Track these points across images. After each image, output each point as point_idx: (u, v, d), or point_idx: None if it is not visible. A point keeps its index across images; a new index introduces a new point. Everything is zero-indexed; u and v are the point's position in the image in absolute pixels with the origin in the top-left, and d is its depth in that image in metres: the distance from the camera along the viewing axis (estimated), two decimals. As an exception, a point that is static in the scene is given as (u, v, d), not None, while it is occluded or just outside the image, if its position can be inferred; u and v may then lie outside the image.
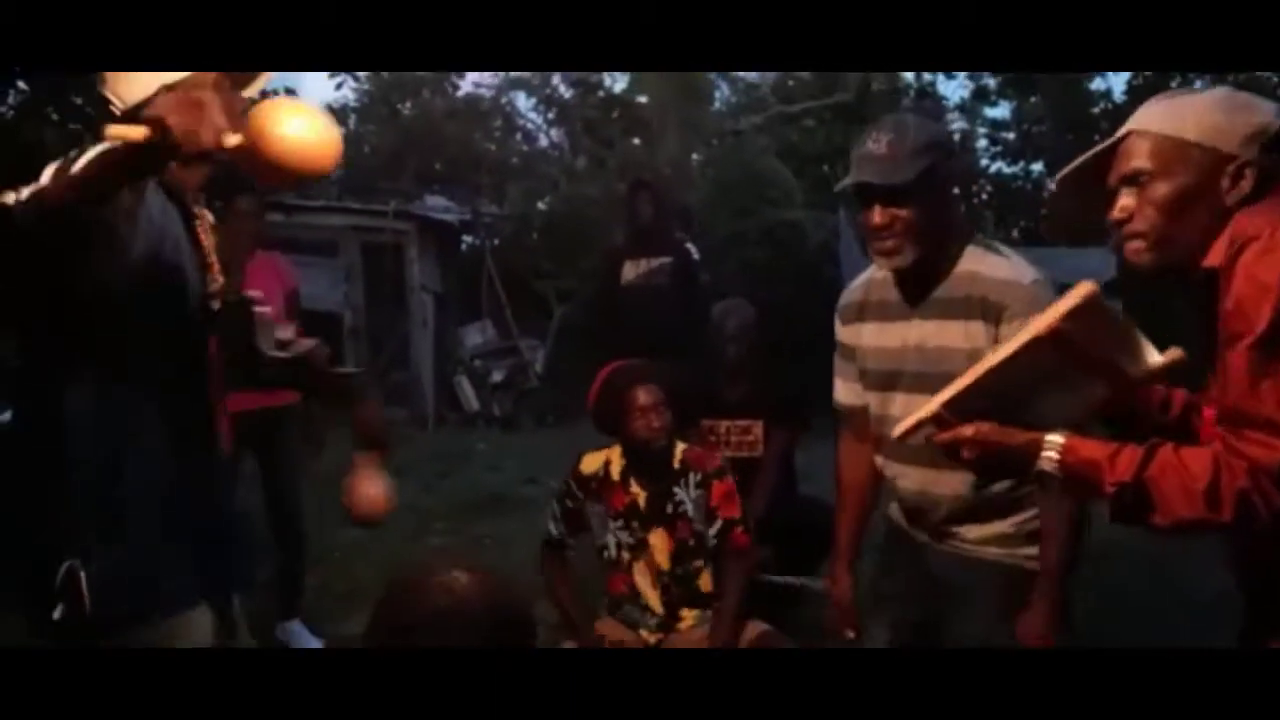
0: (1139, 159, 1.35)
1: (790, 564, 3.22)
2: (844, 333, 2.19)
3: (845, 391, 2.22)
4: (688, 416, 2.95)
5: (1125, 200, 1.37)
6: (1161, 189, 1.33)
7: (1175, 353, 1.36)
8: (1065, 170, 1.46)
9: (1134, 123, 1.38)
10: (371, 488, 1.94)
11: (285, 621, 3.53)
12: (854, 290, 2.18)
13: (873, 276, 2.12)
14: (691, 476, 2.73)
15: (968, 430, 1.35)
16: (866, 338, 2.12)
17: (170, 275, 1.60)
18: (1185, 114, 1.35)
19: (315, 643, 3.48)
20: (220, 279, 1.74)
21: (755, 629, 2.72)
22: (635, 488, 2.73)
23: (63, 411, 1.55)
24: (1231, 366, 1.23)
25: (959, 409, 1.36)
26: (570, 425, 8.11)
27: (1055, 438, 1.32)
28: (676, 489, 2.72)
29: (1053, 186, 1.50)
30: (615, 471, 2.75)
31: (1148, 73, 12.25)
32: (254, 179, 1.53)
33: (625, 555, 2.74)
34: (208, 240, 1.72)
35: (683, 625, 2.74)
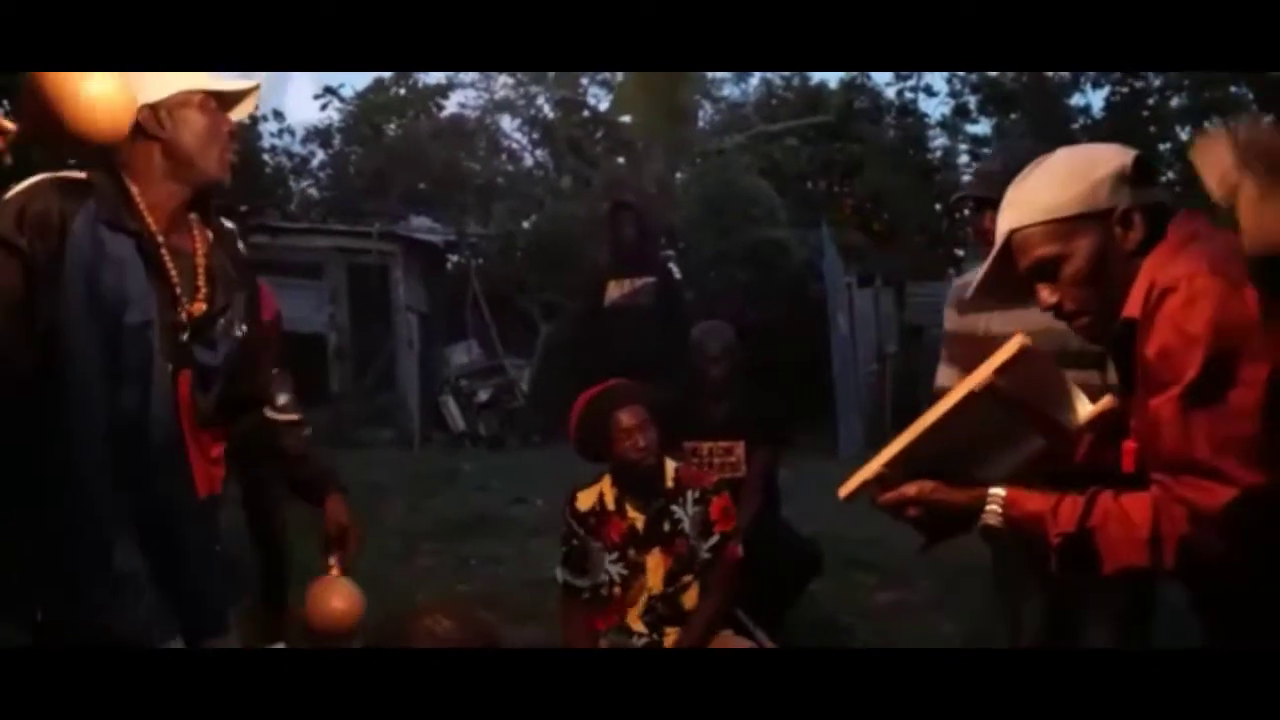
0: (1035, 251, 1.37)
1: (769, 586, 3.23)
2: None
3: None
4: (671, 435, 2.97)
5: (1044, 293, 1.39)
6: (1070, 269, 1.35)
7: (1107, 401, 1.39)
8: (970, 291, 1.49)
9: (1007, 223, 1.40)
10: (337, 599, 1.73)
11: (269, 644, 3.51)
12: None
13: None
14: (689, 494, 2.74)
15: (910, 489, 1.35)
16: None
17: (110, 310, 1.53)
18: (1045, 195, 1.36)
19: (300, 667, 3.45)
20: (195, 308, 1.64)
21: (727, 640, 2.73)
22: (632, 513, 2.74)
23: (20, 447, 1.54)
24: (1162, 414, 1.25)
25: (902, 467, 1.36)
26: (557, 444, 8.11)
27: (998, 491, 1.33)
28: (674, 507, 2.73)
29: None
30: (610, 501, 2.75)
31: (1124, 89, 12.41)
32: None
33: (617, 590, 2.73)
34: (177, 268, 1.63)
35: (668, 643, 2.74)
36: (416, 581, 4.37)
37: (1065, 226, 1.35)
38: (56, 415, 1.52)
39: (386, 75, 12.54)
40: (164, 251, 1.61)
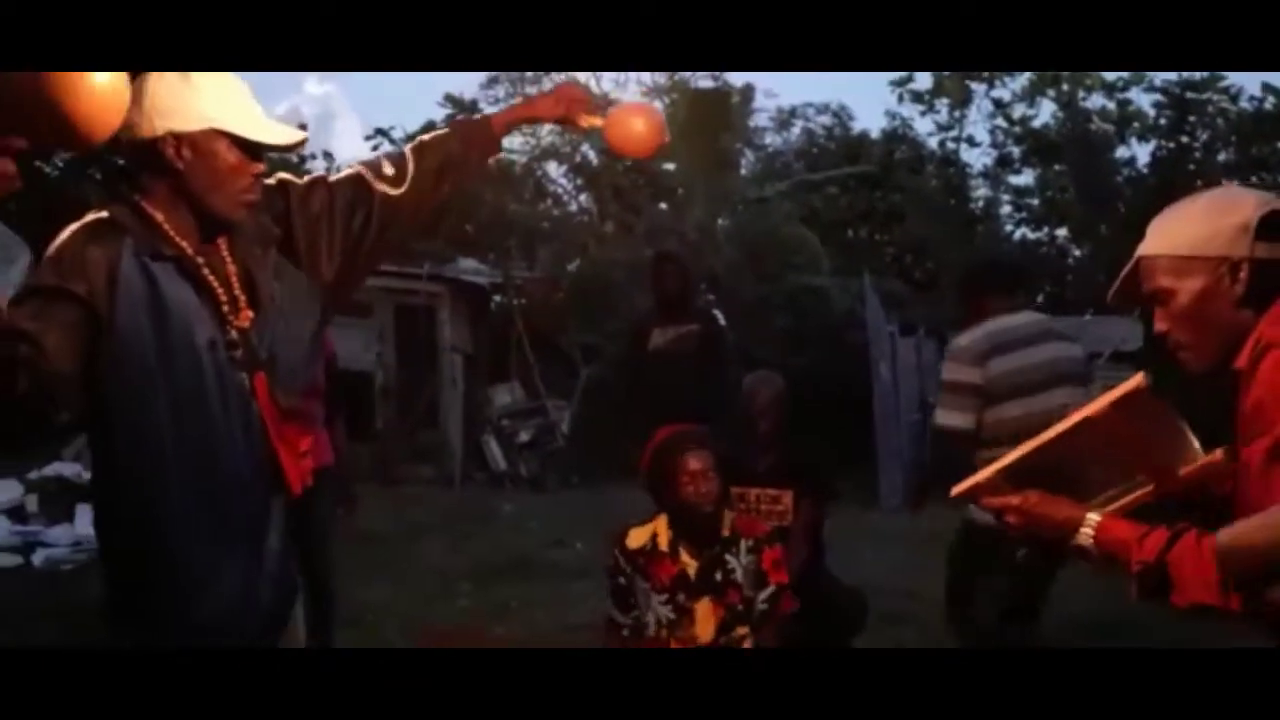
0: (1154, 280, 1.45)
1: (812, 636, 3.22)
2: None
3: None
4: (723, 484, 3.00)
5: (1158, 319, 1.47)
6: (1180, 303, 1.43)
7: (1217, 454, 1.43)
8: (1110, 292, 1.59)
9: (1141, 248, 1.49)
10: (639, 122, 1.93)
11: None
12: None
13: None
14: (743, 544, 2.75)
15: (1015, 499, 1.44)
16: None
17: (182, 336, 1.56)
18: (1175, 230, 1.45)
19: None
20: (242, 318, 1.64)
21: None
22: (685, 557, 2.75)
23: (116, 476, 1.60)
24: (1249, 463, 1.31)
25: (1015, 477, 1.45)
26: (596, 487, 8.14)
27: (1093, 516, 1.40)
28: (728, 556, 2.74)
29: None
30: (664, 543, 2.77)
31: (1170, 144, 12.33)
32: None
33: (664, 633, 2.74)
34: (219, 279, 1.63)
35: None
36: (455, 623, 4.41)
37: (1181, 263, 1.42)
38: (133, 450, 1.56)
39: (438, 119, 12.84)
40: (205, 270, 1.62)
